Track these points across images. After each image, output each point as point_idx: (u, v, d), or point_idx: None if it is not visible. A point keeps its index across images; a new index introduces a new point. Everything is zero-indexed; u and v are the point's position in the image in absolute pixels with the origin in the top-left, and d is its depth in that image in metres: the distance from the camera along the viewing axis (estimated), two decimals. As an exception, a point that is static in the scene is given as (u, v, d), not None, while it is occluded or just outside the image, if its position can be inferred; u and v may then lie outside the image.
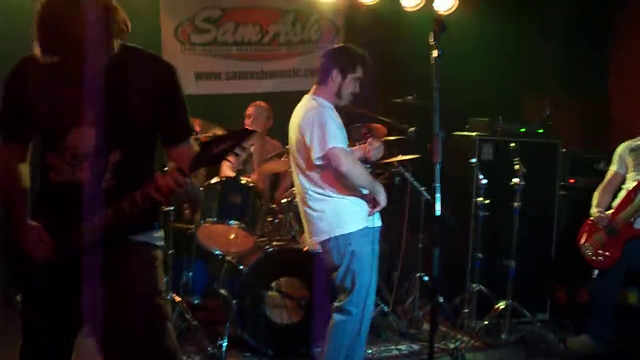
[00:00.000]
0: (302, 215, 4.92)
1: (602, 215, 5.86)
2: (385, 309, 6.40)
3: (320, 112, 4.60)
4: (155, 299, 3.12)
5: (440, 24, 3.87)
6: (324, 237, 4.68)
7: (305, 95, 4.87)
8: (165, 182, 2.88)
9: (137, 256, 3.12)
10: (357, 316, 4.64)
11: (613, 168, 6.04)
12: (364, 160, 4.99)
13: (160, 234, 3.24)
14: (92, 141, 2.97)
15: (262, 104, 6.94)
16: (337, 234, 4.63)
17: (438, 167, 3.71)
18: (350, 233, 4.61)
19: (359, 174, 4.56)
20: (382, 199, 4.61)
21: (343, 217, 4.63)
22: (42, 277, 3.05)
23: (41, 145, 3.07)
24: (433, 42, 3.85)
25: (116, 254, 3.02)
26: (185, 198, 2.77)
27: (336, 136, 4.50)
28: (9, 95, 3.04)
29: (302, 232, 5.88)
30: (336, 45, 5.09)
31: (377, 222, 4.76)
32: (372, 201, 4.63)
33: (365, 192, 4.62)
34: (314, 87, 4.87)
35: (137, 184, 2.96)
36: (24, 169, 3.15)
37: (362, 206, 4.65)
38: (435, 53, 3.82)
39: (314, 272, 5.55)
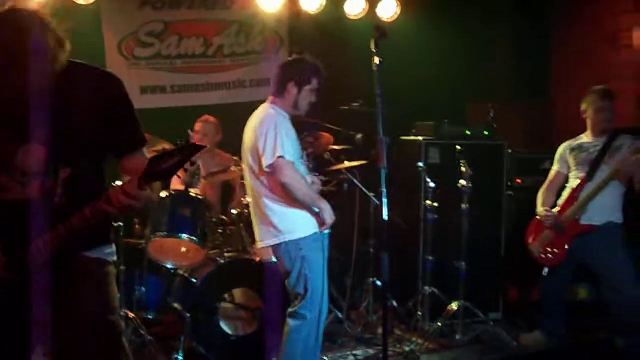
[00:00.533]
0: (254, 220, 4.95)
1: (548, 213, 5.95)
2: (340, 315, 6.43)
3: (275, 120, 4.68)
4: (109, 316, 3.10)
5: (381, 30, 3.92)
6: (275, 242, 4.73)
7: (263, 104, 4.94)
8: (117, 197, 2.82)
9: (89, 273, 3.08)
10: (312, 321, 4.67)
11: (555, 168, 6.13)
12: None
13: (112, 249, 3.22)
14: (42, 158, 2.94)
15: (211, 118, 6.93)
16: (287, 239, 4.68)
17: (383, 172, 3.75)
18: (300, 238, 4.66)
19: (300, 188, 4.61)
20: (327, 216, 4.66)
21: (293, 222, 4.68)
22: None
23: None
24: (375, 50, 3.89)
25: (68, 272, 2.98)
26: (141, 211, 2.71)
27: (285, 147, 4.55)
28: None
29: (253, 242, 5.90)
30: (291, 57, 5.13)
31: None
32: (317, 218, 4.68)
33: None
34: (270, 97, 4.93)
35: (88, 199, 2.92)
36: None
37: (312, 212, 4.69)
38: (377, 60, 3.86)
39: (267, 282, 5.57)
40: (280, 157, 4.52)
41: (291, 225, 4.68)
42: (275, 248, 4.76)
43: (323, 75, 4.90)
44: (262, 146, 4.61)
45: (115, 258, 3.23)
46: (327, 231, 4.81)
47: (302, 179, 4.68)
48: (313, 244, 4.69)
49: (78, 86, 2.98)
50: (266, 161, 4.57)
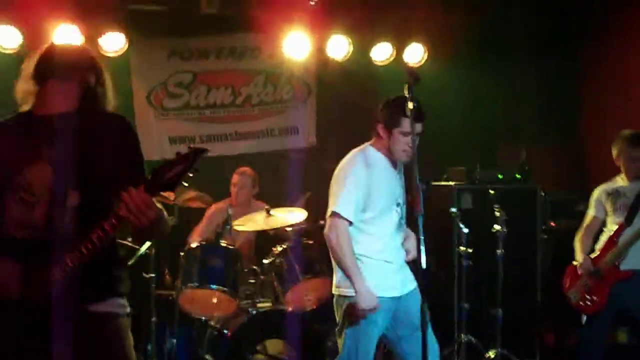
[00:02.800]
0: None
1: (586, 260, 5.82)
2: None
3: (352, 167, 4.49)
4: None
5: (414, 75, 3.87)
6: (333, 292, 4.55)
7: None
8: (133, 199, 2.74)
9: (98, 329, 3.01)
10: None
11: (591, 212, 6.01)
12: None
13: (123, 301, 3.13)
14: (48, 178, 2.94)
15: (248, 170, 6.96)
16: (340, 293, 4.48)
17: (421, 218, 3.66)
18: (348, 296, 4.40)
19: (340, 257, 4.36)
20: (361, 301, 4.28)
21: (346, 278, 4.42)
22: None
23: None
24: (408, 94, 3.84)
25: (77, 328, 2.89)
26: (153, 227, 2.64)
27: (344, 203, 4.37)
28: None
29: (285, 292, 5.85)
30: (387, 98, 4.59)
31: (390, 291, 4.46)
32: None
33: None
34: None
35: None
36: None
37: (373, 271, 4.41)
38: (410, 105, 3.81)
39: (300, 332, 5.51)
40: (335, 212, 4.37)
41: (345, 280, 4.42)
42: (334, 296, 4.55)
43: (420, 117, 4.23)
44: (331, 191, 4.50)
45: (128, 310, 3.15)
46: (391, 296, 4.45)
47: (345, 247, 4.35)
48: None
49: (92, 119, 3.07)
50: (328, 209, 4.45)
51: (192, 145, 2.79)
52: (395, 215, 4.51)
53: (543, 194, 7.00)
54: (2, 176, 2.97)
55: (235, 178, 6.90)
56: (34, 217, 2.93)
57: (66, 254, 2.84)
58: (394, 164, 4.56)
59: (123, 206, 2.75)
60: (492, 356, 6.11)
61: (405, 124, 4.26)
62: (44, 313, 2.84)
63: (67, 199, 2.93)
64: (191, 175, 2.79)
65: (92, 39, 6.99)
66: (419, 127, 4.20)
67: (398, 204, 4.52)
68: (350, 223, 4.37)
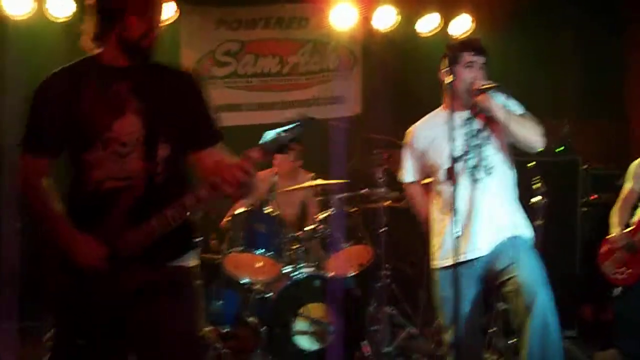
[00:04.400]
0: None
1: (621, 234, 5.86)
2: (413, 330, 6.44)
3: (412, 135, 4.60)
4: (195, 333, 3.20)
5: (458, 53, 3.95)
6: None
7: None
8: (232, 173, 2.88)
9: (177, 286, 3.10)
10: None
11: (628, 185, 6.01)
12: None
13: (194, 253, 3.27)
14: (138, 130, 3.02)
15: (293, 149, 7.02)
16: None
17: (455, 188, 3.78)
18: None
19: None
20: None
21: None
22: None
23: (75, 150, 3.07)
24: (447, 67, 3.93)
25: (155, 282, 3.01)
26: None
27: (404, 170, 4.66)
28: (39, 106, 3.09)
29: (327, 258, 5.98)
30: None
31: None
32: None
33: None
34: None
35: (184, 185, 3.09)
36: (49, 182, 3.14)
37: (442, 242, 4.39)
38: (449, 79, 3.90)
39: (341, 297, 5.65)
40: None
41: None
42: None
43: (474, 46, 4.35)
44: None
45: (196, 261, 3.28)
46: (469, 257, 4.27)
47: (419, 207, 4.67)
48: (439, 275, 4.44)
49: (167, 73, 3.19)
50: None
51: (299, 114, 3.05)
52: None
53: (584, 167, 7.02)
54: (89, 131, 3.01)
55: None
56: (129, 168, 3.01)
57: (167, 209, 2.95)
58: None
59: (240, 166, 2.92)
60: (529, 326, 6.18)
61: (466, 56, 4.25)
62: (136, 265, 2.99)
63: (158, 151, 3.05)
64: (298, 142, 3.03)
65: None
66: (481, 59, 4.29)
67: (467, 165, 4.26)
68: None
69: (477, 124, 4.30)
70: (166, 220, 2.95)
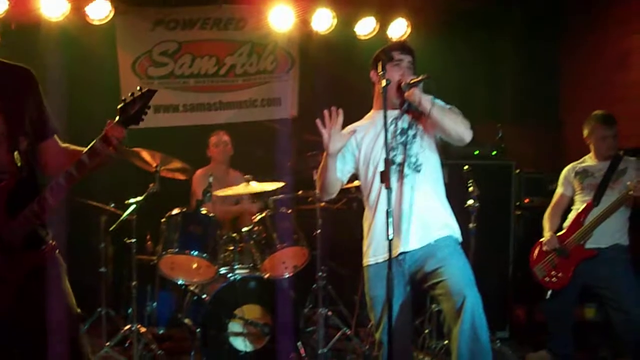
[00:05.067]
0: None
1: (552, 238, 5.98)
2: (348, 331, 6.47)
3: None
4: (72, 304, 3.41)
5: (388, 54, 4.00)
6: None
7: None
8: (114, 131, 3.25)
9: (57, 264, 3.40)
10: None
11: (559, 190, 6.15)
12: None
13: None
14: (1, 125, 3.17)
15: (224, 136, 7.06)
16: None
17: (389, 192, 3.82)
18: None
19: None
20: None
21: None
22: None
23: None
24: (381, 72, 3.97)
25: (41, 263, 3.27)
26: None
27: None
28: None
29: (263, 259, 5.99)
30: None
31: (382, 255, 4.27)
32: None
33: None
34: None
35: (37, 180, 3.27)
36: None
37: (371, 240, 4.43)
38: (383, 82, 3.94)
39: (276, 299, 5.66)
40: None
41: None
42: None
43: (401, 45, 4.56)
44: None
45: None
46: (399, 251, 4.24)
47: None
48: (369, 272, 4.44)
49: (8, 69, 3.34)
50: None
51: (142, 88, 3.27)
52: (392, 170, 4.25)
53: (518, 170, 7.14)
54: None
55: (214, 138, 7.02)
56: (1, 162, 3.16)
57: (43, 195, 3.16)
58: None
59: (104, 139, 3.21)
60: (462, 327, 6.26)
61: (394, 54, 4.37)
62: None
63: (19, 145, 3.20)
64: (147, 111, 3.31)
65: (78, 7, 7.08)
66: (407, 57, 4.40)
67: (394, 162, 4.26)
68: None
69: (405, 121, 4.34)
70: (38, 209, 3.16)
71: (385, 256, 3.99)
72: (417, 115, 4.29)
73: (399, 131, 4.31)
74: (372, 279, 4.35)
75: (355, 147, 4.45)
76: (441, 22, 8.18)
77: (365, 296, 4.52)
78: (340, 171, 4.47)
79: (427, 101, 4.15)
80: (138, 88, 3.31)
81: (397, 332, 4.11)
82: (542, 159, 8.24)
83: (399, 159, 4.27)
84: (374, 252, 4.35)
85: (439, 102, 4.26)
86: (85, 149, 3.23)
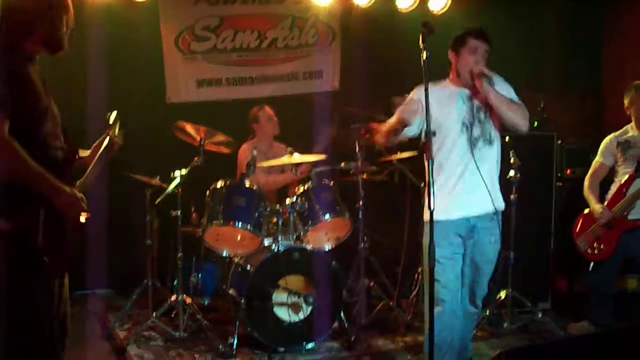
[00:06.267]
0: None
1: (604, 210, 5.94)
2: (390, 302, 6.54)
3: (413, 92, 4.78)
4: None
5: (428, 27, 4.02)
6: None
7: None
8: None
9: None
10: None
11: (599, 159, 6.13)
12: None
13: None
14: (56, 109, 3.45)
15: (269, 110, 7.10)
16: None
17: (431, 162, 3.87)
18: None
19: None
20: None
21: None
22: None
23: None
24: (422, 45, 4.00)
25: None
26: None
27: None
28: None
29: (306, 231, 6.07)
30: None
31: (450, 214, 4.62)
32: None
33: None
34: None
35: None
36: None
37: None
38: (424, 55, 3.98)
39: (318, 270, 5.74)
40: None
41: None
42: None
43: (481, 34, 4.72)
44: None
45: None
46: (457, 217, 4.66)
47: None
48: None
49: None
50: None
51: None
52: (462, 137, 4.66)
53: (560, 141, 7.12)
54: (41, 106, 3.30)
55: (262, 114, 7.06)
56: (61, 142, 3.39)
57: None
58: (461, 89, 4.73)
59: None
60: (503, 297, 6.31)
61: (471, 42, 4.66)
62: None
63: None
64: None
65: (122, -17, 7.18)
66: (484, 45, 4.70)
67: (466, 127, 4.66)
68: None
69: (477, 101, 4.70)
70: None
71: (458, 214, 4.62)
72: (483, 99, 4.68)
73: (476, 109, 4.69)
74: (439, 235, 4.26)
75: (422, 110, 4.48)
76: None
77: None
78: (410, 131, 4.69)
79: (490, 93, 4.57)
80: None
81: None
82: (585, 129, 8.19)
83: (477, 132, 4.66)
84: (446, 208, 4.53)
85: (506, 90, 4.71)
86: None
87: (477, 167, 4.59)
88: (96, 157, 3.61)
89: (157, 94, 7.79)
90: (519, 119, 4.63)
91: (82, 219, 3.34)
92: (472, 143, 4.63)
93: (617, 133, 6.08)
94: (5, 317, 3.10)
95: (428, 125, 3.95)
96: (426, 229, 4.38)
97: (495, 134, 4.74)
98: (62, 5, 3.42)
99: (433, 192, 3.83)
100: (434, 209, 3.84)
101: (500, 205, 4.79)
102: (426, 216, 4.18)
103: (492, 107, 4.62)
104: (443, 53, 4.74)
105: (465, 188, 4.63)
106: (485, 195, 4.60)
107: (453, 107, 4.66)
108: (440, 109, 4.60)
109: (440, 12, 8.08)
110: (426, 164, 3.94)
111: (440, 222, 4.39)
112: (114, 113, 3.78)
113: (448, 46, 4.79)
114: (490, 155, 4.73)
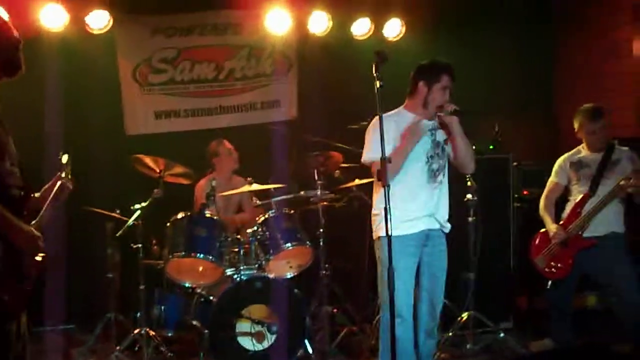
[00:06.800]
0: None
1: (559, 231, 6.02)
2: (354, 328, 6.57)
3: (369, 127, 4.87)
4: None
5: (381, 55, 4.11)
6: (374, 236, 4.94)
7: None
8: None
9: None
10: (384, 323, 4.76)
11: (553, 179, 6.21)
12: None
13: None
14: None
15: (228, 143, 7.13)
16: (376, 235, 4.91)
17: (387, 189, 3.93)
18: (380, 237, 4.80)
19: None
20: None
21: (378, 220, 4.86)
22: None
23: None
24: (375, 74, 4.08)
25: None
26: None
27: (369, 151, 4.79)
28: None
29: (268, 260, 6.09)
30: (424, 61, 5.01)
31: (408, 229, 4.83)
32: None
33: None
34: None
35: None
36: None
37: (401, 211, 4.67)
38: (378, 84, 4.05)
39: (282, 298, 5.76)
40: (367, 161, 4.84)
41: (378, 222, 4.84)
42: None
43: (453, 73, 4.90)
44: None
45: None
46: (416, 231, 4.87)
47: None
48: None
49: None
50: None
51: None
52: (423, 168, 4.88)
53: (515, 163, 7.23)
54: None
55: (222, 149, 7.10)
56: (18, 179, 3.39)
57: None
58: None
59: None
60: (465, 318, 6.37)
61: (445, 80, 4.83)
62: None
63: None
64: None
65: (77, 17, 7.20)
66: (452, 83, 4.88)
67: (427, 159, 4.88)
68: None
69: (440, 135, 4.92)
70: None
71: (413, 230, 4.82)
72: (448, 133, 4.90)
73: (438, 142, 4.93)
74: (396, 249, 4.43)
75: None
76: (434, 19, 8.25)
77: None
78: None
79: (459, 132, 4.82)
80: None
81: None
82: (540, 151, 8.30)
83: (435, 166, 4.90)
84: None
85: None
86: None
87: (435, 196, 4.90)
88: (48, 202, 3.60)
89: (115, 126, 7.79)
90: (470, 161, 5.00)
91: (39, 258, 3.34)
92: (432, 174, 4.88)
93: (570, 153, 6.18)
94: None
95: (383, 152, 4.02)
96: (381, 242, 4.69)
97: (447, 167, 5.02)
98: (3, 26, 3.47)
99: (390, 218, 3.89)
100: (391, 234, 3.90)
101: (448, 226, 5.07)
102: (380, 232, 4.62)
103: (453, 143, 4.86)
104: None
105: (423, 212, 4.85)
106: (440, 217, 4.97)
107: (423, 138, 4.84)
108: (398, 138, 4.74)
109: (395, 39, 8.20)
110: (381, 190, 4.05)
111: (398, 237, 4.51)
112: (66, 155, 3.79)
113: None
114: (445, 187, 5.02)
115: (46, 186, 3.77)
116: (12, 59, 3.44)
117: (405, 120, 4.82)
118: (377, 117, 4.66)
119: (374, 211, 4.94)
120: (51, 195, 3.61)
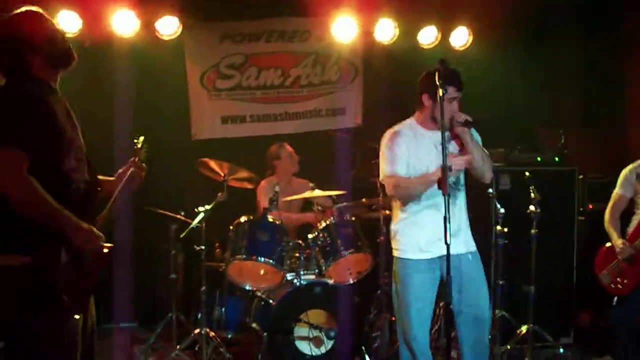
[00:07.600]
0: None
1: (625, 247, 5.90)
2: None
3: (382, 142, 4.85)
4: None
5: (444, 63, 4.11)
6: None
7: None
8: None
9: None
10: (401, 342, 4.81)
11: (618, 191, 6.08)
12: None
13: None
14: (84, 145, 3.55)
15: (288, 147, 7.20)
16: (395, 255, 4.88)
17: (446, 198, 3.93)
18: (399, 258, 4.82)
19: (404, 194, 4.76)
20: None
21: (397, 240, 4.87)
22: None
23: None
24: (439, 82, 4.08)
25: None
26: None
27: (387, 166, 4.76)
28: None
29: (328, 266, 6.12)
30: (428, 70, 4.74)
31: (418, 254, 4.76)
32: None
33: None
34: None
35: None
36: None
37: (414, 233, 4.76)
38: (440, 92, 4.06)
39: (340, 304, 5.78)
40: (385, 177, 4.77)
41: (395, 243, 4.88)
42: None
43: (460, 83, 4.66)
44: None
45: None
46: (433, 256, 4.70)
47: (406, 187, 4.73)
48: (409, 266, 4.74)
49: None
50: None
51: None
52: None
53: (581, 176, 7.15)
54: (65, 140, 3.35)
55: (283, 152, 7.20)
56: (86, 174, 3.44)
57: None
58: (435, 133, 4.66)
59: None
60: (524, 331, 6.31)
61: (451, 90, 4.53)
62: None
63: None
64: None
65: (148, 23, 7.34)
66: (460, 95, 4.65)
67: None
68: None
69: (454, 146, 4.76)
70: None
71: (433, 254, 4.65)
72: (460, 144, 4.74)
73: (453, 154, 4.70)
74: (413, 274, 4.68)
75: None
76: (503, 29, 8.19)
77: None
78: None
79: (471, 142, 4.64)
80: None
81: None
82: (607, 164, 8.17)
83: (452, 178, 4.66)
84: (421, 248, 4.71)
85: (478, 140, 4.78)
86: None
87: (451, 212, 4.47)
88: (116, 192, 3.62)
89: (182, 129, 7.93)
90: (487, 170, 4.80)
91: (105, 250, 3.37)
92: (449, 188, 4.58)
93: (635, 164, 6.03)
94: (22, 348, 3.20)
95: (444, 160, 4.01)
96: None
97: (463, 180, 4.87)
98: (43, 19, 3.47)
99: (449, 228, 3.88)
100: (450, 242, 3.89)
101: (473, 246, 4.94)
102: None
103: (465, 153, 4.68)
104: (465, 89, 4.75)
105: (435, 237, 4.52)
106: (462, 239, 4.80)
107: (433, 152, 4.69)
108: (417, 154, 4.73)
109: (462, 49, 8.16)
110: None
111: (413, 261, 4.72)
112: (142, 138, 3.88)
113: (473, 83, 4.89)
114: (462, 201, 4.86)
115: (120, 170, 3.82)
116: (61, 51, 3.46)
117: (420, 134, 4.78)
118: (390, 132, 4.83)
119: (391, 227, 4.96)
120: (120, 185, 3.66)
